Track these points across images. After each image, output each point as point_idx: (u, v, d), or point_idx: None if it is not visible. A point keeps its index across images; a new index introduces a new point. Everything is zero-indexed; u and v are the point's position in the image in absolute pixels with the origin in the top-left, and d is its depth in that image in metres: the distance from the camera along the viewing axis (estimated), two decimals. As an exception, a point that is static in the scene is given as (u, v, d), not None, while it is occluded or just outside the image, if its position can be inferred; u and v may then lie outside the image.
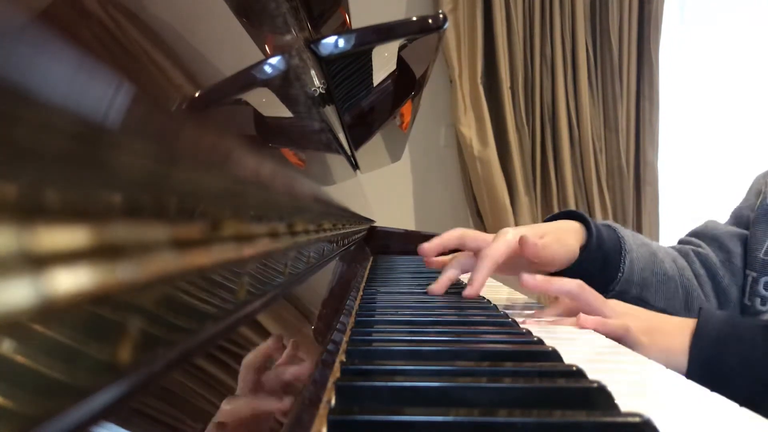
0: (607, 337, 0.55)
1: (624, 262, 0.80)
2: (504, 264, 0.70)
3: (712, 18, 2.49)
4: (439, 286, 0.69)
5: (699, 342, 0.57)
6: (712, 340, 0.57)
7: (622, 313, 0.60)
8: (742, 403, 0.55)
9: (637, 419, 0.27)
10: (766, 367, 0.54)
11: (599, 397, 0.30)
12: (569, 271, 0.75)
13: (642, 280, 0.80)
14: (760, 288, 0.81)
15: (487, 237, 0.73)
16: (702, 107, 2.49)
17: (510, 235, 0.70)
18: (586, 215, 0.81)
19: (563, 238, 0.76)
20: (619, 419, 0.27)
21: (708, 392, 0.36)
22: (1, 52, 0.09)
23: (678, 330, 0.58)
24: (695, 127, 2.48)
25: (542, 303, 0.75)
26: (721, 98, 2.48)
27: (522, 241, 0.69)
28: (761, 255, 0.81)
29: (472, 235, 0.75)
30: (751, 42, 2.49)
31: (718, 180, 2.36)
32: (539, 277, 0.63)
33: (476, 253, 0.71)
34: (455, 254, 0.77)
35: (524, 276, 0.63)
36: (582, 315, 0.57)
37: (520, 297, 0.78)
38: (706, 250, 0.88)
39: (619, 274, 0.79)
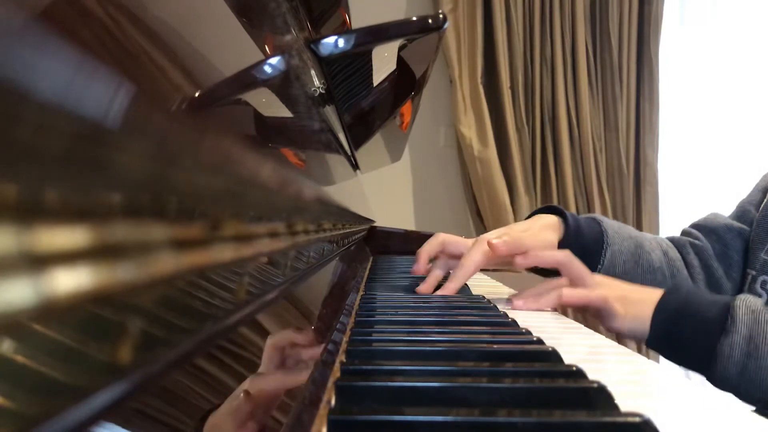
0: (588, 306, 0.63)
1: (604, 255, 0.83)
2: (486, 266, 0.76)
3: (712, 18, 2.48)
4: (427, 285, 0.74)
5: (659, 313, 0.63)
6: (670, 312, 0.63)
7: (602, 283, 0.67)
8: (693, 369, 0.62)
9: (637, 419, 0.27)
10: (714, 337, 0.59)
11: (599, 397, 0.30)
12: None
13: (624, 272, 0.84)
14: (757, 286, 0.82)
15: (467, 243, 0.78)
16: (702, 107, 2.48)
17: (484, 244, 0.74)
18: (564, 209, 0.85)
19: (541, 234, 0.80)
20: (619, 419, 0.27)
21: (707, 393, 0.36)
22: (1, 52, 0.09)
23: (648, 299, 0.65)
24: (695, 127, 2.48)
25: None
26: (721, 98, 2.48)
27: (491, 246, 0.73)
28: (762, 254, 0.82)
29: (452, 240, 0.80)
30: (751, 42, 2.49)
31: (718, 180, 2.36)
32: (530, 254, 0.70)
33: (458, 256, 0.77)
34: (438, 258, 0.82)
35: (516, 259, 0.70)
36: (566, 290, 0.64)
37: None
38: (704, 242, 0.90)
39: (599, 266, 0.83)
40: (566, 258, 0.66)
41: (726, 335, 0.58)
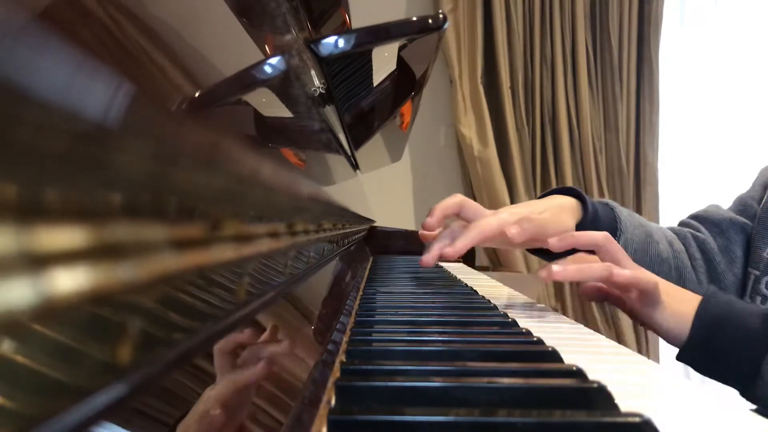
0: (637, 286, 0.58)
1: (618, 242, 0.79)
2: (494, 239, 0.70)
3: (712, 18, 2.49)
4: (431, 256, 0.68)
5: (701, 319, 0.59)
6: (713, 317, 0.59)
7: (643, 270, 0.62)
8: (729, 382, 0.56)
9: (636, 419, 0.27)
10: (756, 351, 0.56)
11: (599, 397, 0.30)
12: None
13: (635, 260, 0.80)
14: (762, 287, 0.80)
15: (486, 212, 0.73)
16: (702, 107, 2.49)
17: (506, 215, 0.69)
18: (583, 192, 0.81)
19: (560, 216, 0.76)
20: (619, 419, 0.27)
21: (707, 393, 0.36)
22: (1, 52, 0.09)
23: (689, 299, 0.61)
24: (695, 127, 2.48)
25: (541, 303, 0.75)
26: (720, 98, 2.48)
27: (509, 237, 0.68)
28: (766, 254, 0.81)
29: (471, 206, 0.74)
30: (751, 42, 2.49)
31: (717, 180, 2.36)
32: (566, 235, 0.64)
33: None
34: (449, 225, 0.76)
35: (551, 240, 0.64)
36: (615, 267, 0.59)
37: (519, 297, 0.78)
38: (705, 234, 0.88)
39: None
40: (604, 240, 0.62)
41: None
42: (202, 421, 0.18)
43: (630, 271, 0.59)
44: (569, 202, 0.79)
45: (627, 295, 0.62)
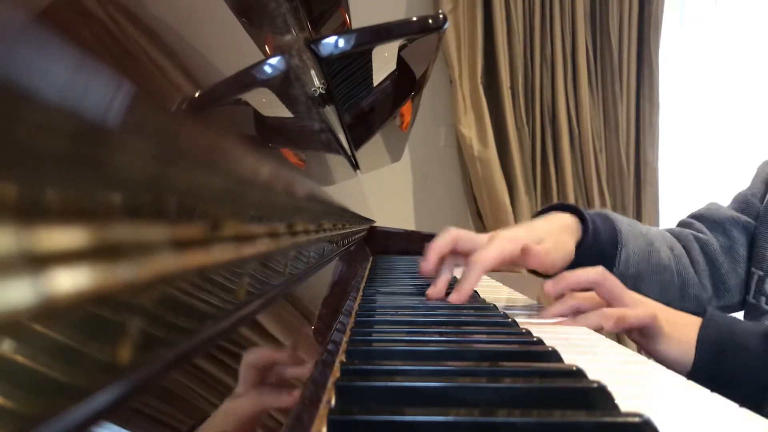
0: (632, 325, 0.56)
1: (619, 256, 0.78)
2: (499, 265, 0.68)
3: (712, 18, 2.49)
4: (438, 289, 0.67)
5: (702, 346, 0.57)
6: (714, 344, 0.57)
7: (641, 302, 0.60)
8: (745, 405, 0.55)
9: (636, 419, 0.27)
10: (760, 373, 0.55)
11: (599, 397, 0.30)
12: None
13: (637, 272, 0.79)
14: (766, 287, 0.80)
15: (482, 239, 0.70)
16: (702, 107, 2.49)
17: (504, 242, 0.67)
18: (581, 209, 0.79)
19: (561, 240, 0.73)
20: (619, 419, 0.27)
21: (708, 393, 0.36)
22: (1, 52, 0.09)
23: (690, 323, 0.59)
24: (695, 127, 2.48)
25: (542, 303, 0.75)
26: (721, 98, 2.48)
27: (526, 251, 0.66)
28: None
29: (465, 237, 0.71)
30: (751, 42, 2.49)
31: (718, 180, 2.36)
32: (559, 278, 0.62)
33: (469, 255, 0.68)
34: (447, 259, 0.73)
35: (546, 285, 0.62)
36: (605, 309, 0.57)
37: (519, 297, 0.78)
38: (708, 235, 0.86)
39: (614, 269, 0.78)
40: (601, 277, 0.60)
41: None
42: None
43: (619, 312, 0.57)
44: (569, 222, 0.77)
45: (628, 332, 0.60)
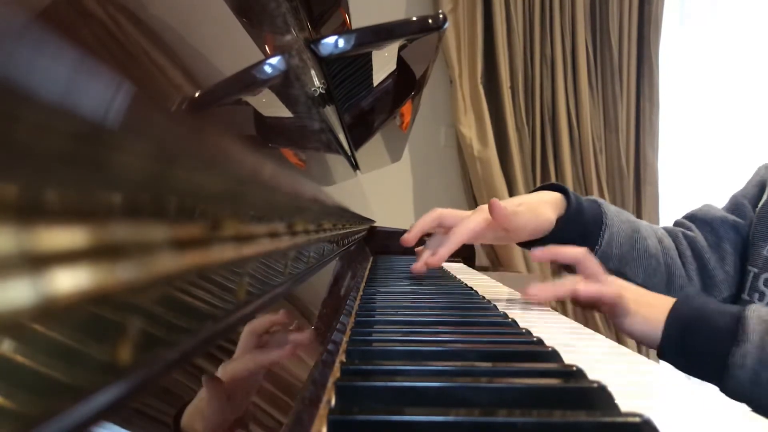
0: (601, 300, 0.63)
1: (602, 236, 0.83)
2: (479, 236, 0.75)
3: (712, 18, 2.49)
4: (418, 265, 0.74)
5: (672, 321, 0.62)
6: (682, 321, 0.62)
7: (615, 282, 0.66)
8: (706, 379, 0.60)
9: (636, 419, 0.27)
10: (725, 347, 0.59)
11: (599, 397, 0.30)
12: (545, 240, 0.80)
13: (621, 254, 0.83)
14: (760, 284, 0.81)
15: (464, 214, 0.77)
16: (702, 107, 2.49)
17: (483, 213, 0.74)
18: (568, 188, 0.84)
19: (538, 208, 0.79)
20: (619, 419, 0.27)
21: (707, 392, 0.36)
22: (1, 52, 0.09)
23: (661, 305, 0.64)
24: (695, 127, 2.48)
25: (541, 303, 0.75)
26: (721, 98, 2.48)
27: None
28: (765, 252, 0.82)
29: (449, 214, 0.79)
30: (751, 42, 2.49)
31: (718, 180, 2.36)
32: (550, 248, 0.69)
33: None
34: (433, 235, 0.82)
35: (535, 250, 0.69)
36: (581, 283, 0.64)
37: (519, 297, 0.78)
38: (696, 233, 0.90)
39: (597, 247, 0.82)
40: (583, 255, 0.66)
41: (738, 345, 0.58)
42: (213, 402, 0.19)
43: (594, 285, 0.64)
44: (552, 196, 0.82)
45: (600, 307, 0.66)
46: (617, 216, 0.85)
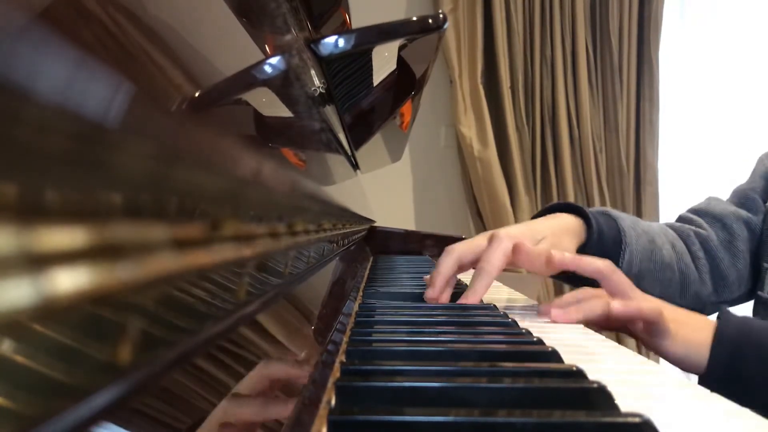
0: (642, 319, 0.56)
1: (623, 257, 0.78)
2: (506, 265, 0.65)
3: (713, 18, 2.49)
4: (436, 289, 0.64)
5: (720, 346, 0.56)
6: (732, 342, 0.56)
7: (647, 298, 0.59)
8: (763, 407, 0.54)
9: (637, 419, 0.27)
10: None
11: (599, 397, 0.30)
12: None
13: (640, 271, 0.80)
14: None
15: (480, 243, 0.66)
16: (702, 107, 2.49)
17: (505, 243, 0.64)
18: (585, 209, 0.77)
19: (561, 242, 0.72)
20: (619, 419, 0.27)
21: (706, 391, 0.36)
22: (1, 52, 0.09)
23: (701, 325, 0.58)
24: (695, 127, 2.48)
25: (542, 302, 0.75)
26: (721, 98, 2.48)
27: (516, 249, 0.63)
28: None
29: (465, 250, 0.66)
30: (751, 42, 2.49)
31: (718, 180, 2.36)
32: (568, 256, 0.61)
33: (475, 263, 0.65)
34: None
35: (554, 253, 0.61)
36: (615, 302, 0.56)
37: (520, 297, 0.78)
38: (708, 230, 0.87)
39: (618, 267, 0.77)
40: (608, 269, 0.59)
41: None
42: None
43: (630, 303, 0.56)
44: (572, 223, 0.75)
45: (633, 326, 0.59)
46: (633, 230, 0.80)
